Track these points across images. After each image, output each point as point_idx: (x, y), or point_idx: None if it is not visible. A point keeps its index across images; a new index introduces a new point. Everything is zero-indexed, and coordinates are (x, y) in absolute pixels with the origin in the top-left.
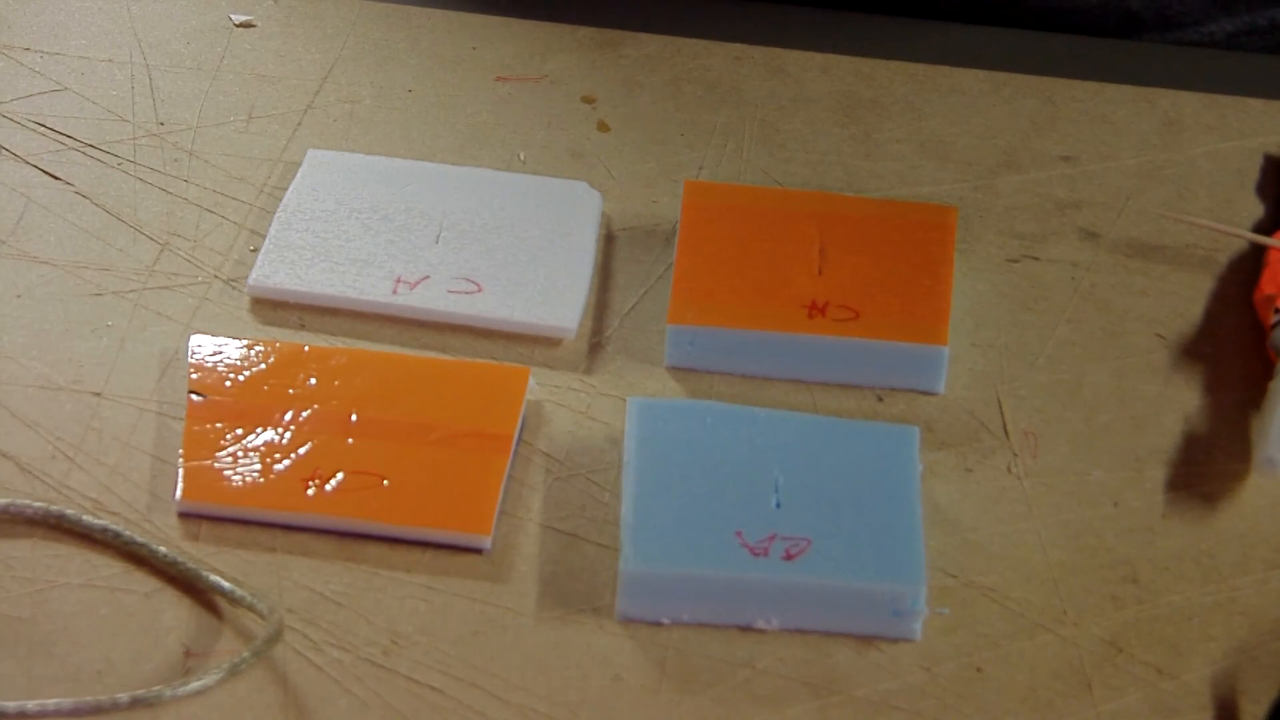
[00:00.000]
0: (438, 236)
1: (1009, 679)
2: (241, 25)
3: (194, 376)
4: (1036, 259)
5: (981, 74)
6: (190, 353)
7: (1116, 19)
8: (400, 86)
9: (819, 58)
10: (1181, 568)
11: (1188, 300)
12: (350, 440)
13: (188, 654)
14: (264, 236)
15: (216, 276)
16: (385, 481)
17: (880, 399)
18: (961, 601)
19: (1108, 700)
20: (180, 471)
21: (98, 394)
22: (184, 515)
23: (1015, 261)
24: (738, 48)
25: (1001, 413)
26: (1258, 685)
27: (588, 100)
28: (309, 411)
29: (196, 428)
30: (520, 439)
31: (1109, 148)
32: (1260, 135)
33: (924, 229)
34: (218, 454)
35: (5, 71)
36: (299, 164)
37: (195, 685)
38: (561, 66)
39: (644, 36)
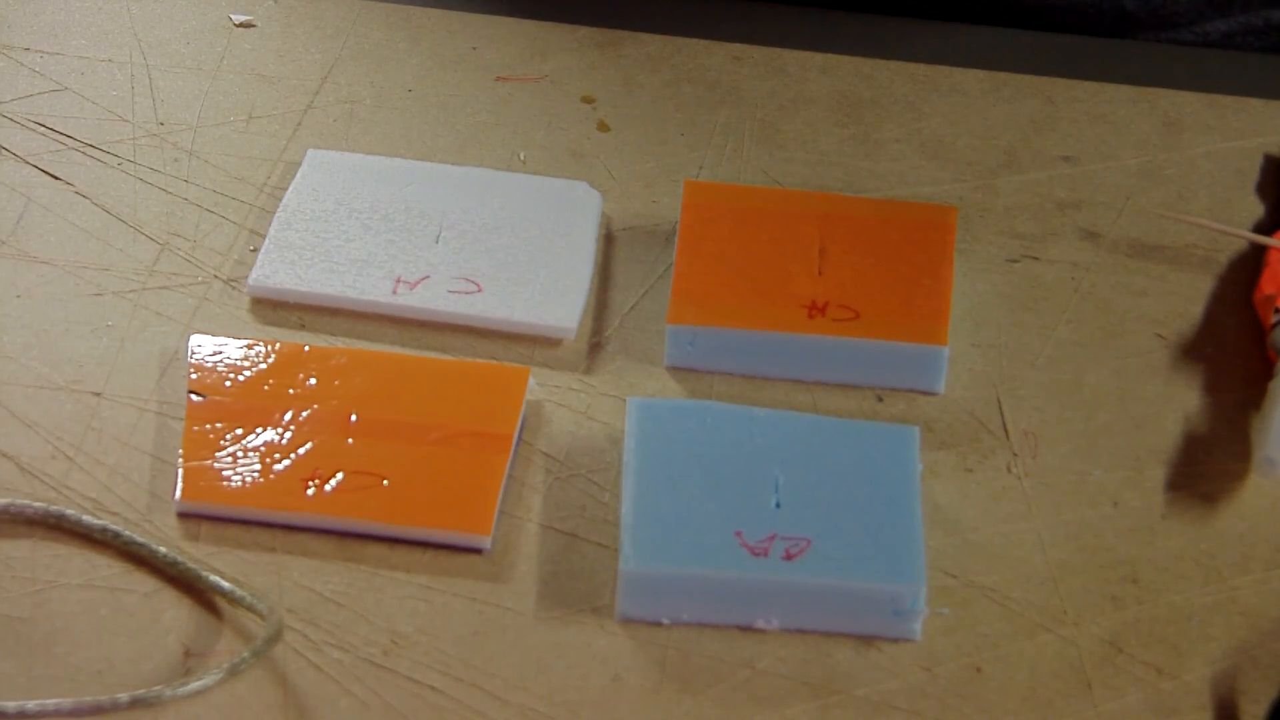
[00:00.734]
0: (438, 236)
1: (1009, 679)
2: (241, 25)
3: (194, 376)
4: (1036, 259)
5: (981, 74)
6: (190, 353)
7: (1111, 19)
8: (400, 86)
9: (819, 58)
10: (1181, 568)
11: (1188, 300)
12: (350, 440)
13: (187, 654)
14: (264, 236)
15: (216, 276)
16: (385, 481)
17: (880, 399)
18: (961, 601)
19: (1108, 700)
20: (180, 471)
21: (98, 394)
22: (184, 515)
23: (1015, 261)
24: (738, 48)
25: (1001, 413)
26: (1258, 685)
27: (588, 100)
28: (309, 411)
29: (196, 428)
30: (520, 439)
31: (1109, 148)
32: (1260, 135)
33: (924, 229)
34: (217, 454)
35: (5, 71)
36: (299, 164)
37: (195, 685)
38: (561, 66)
39: (644, 36)
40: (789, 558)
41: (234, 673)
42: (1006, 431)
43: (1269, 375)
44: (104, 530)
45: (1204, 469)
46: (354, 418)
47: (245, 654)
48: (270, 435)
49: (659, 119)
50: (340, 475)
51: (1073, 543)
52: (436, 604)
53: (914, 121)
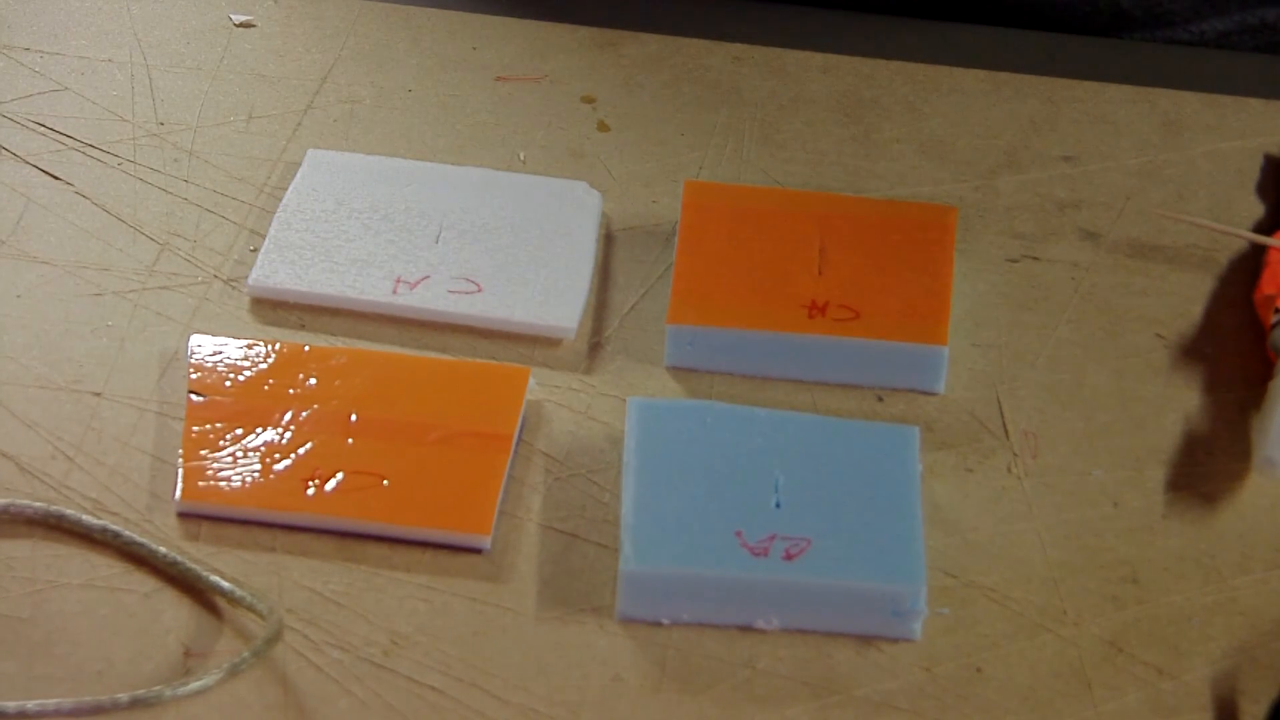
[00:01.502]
0: (438, 236)
1: (1009, 679)
2: (241, 25)
3: (194, 376)
4: (1036, 259)
5: (981, 74)
6: (190, 353)
7: (1106, 17)
8: (400, 86)
9: (819, 58)
10: (1181, 568)
11: (1188, 300)
12: (350, 440)
13: (187, 654)
14: (264, 236)
15: (216, 276)
16: (385, 481)
17: (880, 399)
18: (961, 601)
19: (1108, 700)
20: (180, 472)
21: (98, 394)
22: (184, 515)
23: (1015, 261)
24: (738, 48)
25: (1001, 413)
26: (1258, 685)
27: (588, 100)
28: (309, 411)
29: (196, 428)
30: (520, 439)
31: (1109, 148)
32: (1260, 135)
33: (924, 229)
34: (217, 454)
35: (5, 71)
36: (299, 164)
37: (195, 685)
38: (561, 66)
39: (644, 36)
40: (789, 558)
41: (234, 673)
42: (1006, 431)
43: (1269, 375)
44: (104, 530)
45: (1204, 469)
46: (354, 418)
47: (245, 654)
48: (270, 435)
49: (659, 119)
50: (340, 475)
51: (1073, 543)
52: (436, 604)
53: (914, 121)
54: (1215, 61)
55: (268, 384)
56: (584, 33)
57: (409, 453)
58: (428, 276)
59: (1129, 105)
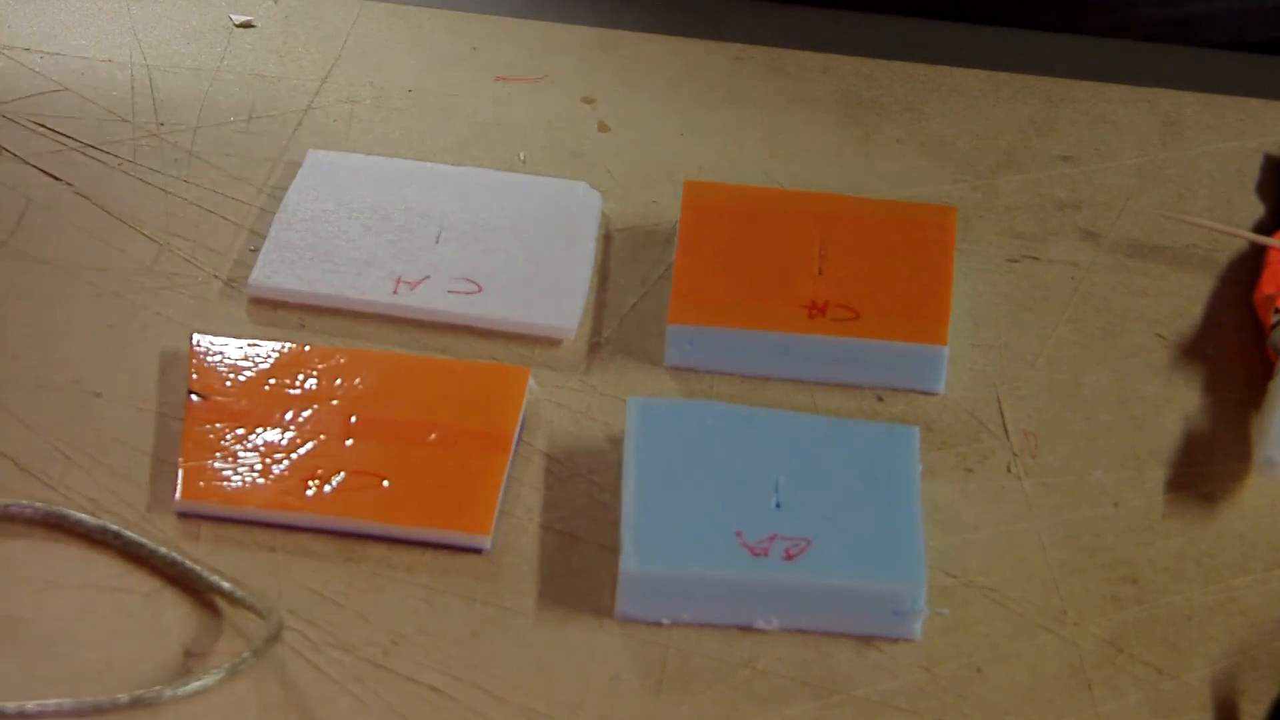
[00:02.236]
0: (438, 237)
1: (1009, 679)
2: (241, 25)
3: (194, 377)
4: (1036, 259)
5: (981, 74)
6: (190, 353)
7: None
8: (400, 86)
9: (819, 58)
10: (1181, 568)
11: (1188, 300)
12: (350, 440)
13: (187, 654)
14: (264, 237)
15: (216, 277)
16: (385, 482)
17: (880, 399)
18: (961, 601)
19: (1108, 700)
20: (180, 472)
21: (97, 394)
22: (183, 515)
23: (1015, 261)
24: (738, 48)
25: (1001, 413)
26: (1258, 685)
27: (588, 100)
28: (309, 412)
29: (196, 428)
30: (520, 439)
31: (1109, 148)
32: (1260, 135)
33: (924, 229)
34: (217, 454)
35: (5, 71)
36: (299, 164)
37: (195, 685)
38: (561, 66)
39: (644, 36)
40: (789, 558)
41: (234, 673)
42: (1006, 431)
43: (1269, 375)
44: (104, 530)
45: (1204, 469)
46: (354, 418)
47: (245, 654)
48: (270, 435)
49: (659, 119)
50: (340, 475)
51: (1073, 543)
52: (436, 604)
53: (914, 121)
54: (1215, 61)
55: (268, 384)
56: (584, 33)
57: (409, 453)
58: (428, 277)
59: (1129, 105)
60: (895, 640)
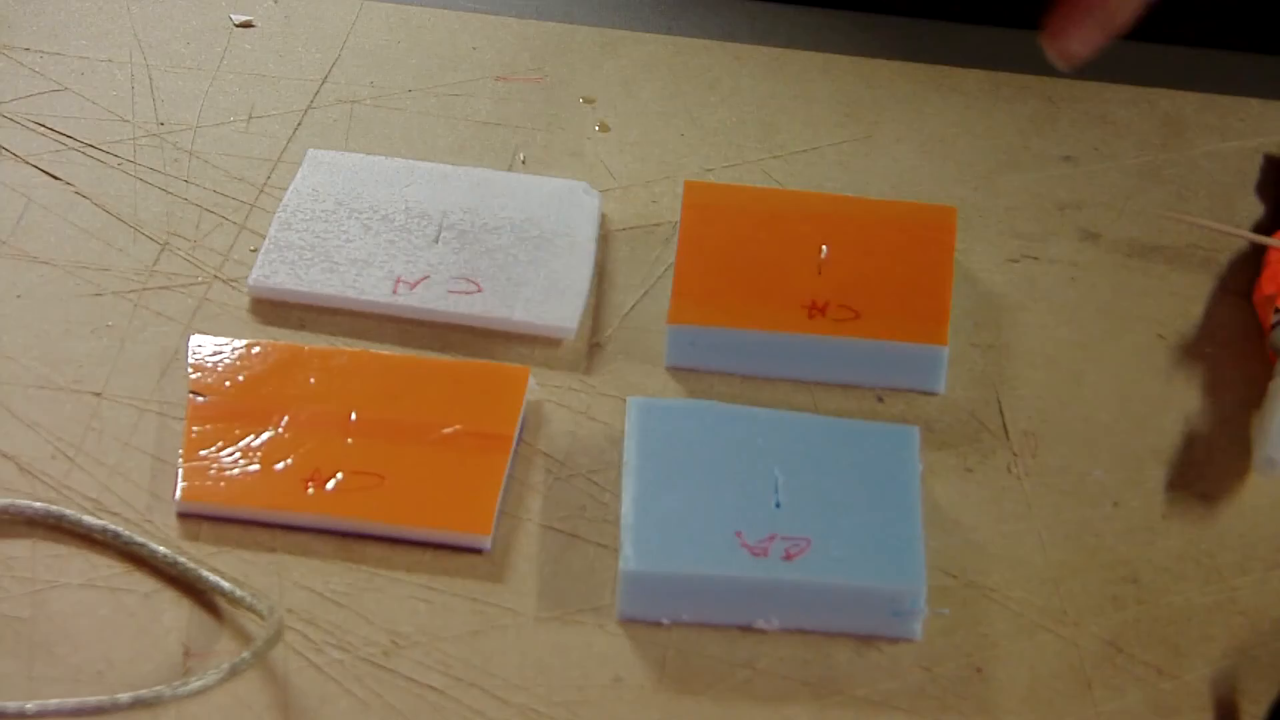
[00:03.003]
0: (438, 236)
1: (1009, 679)
2: (241, 25)
3: (194, 376)
4: (1036, 259)
5: (981, 74)
6: (190, 353)
7: None
8: (400, 86)
9: (819, 58)
10: (1181, 568)
11: (1188, 300)
12: (350, 440)
13: (188, 654)
14: (264, 236)
15: (216, 276)
16: (385, 481)
17: (880, 399)
18: (961, 601)
19: (1108, 700)
20: (180, 472)
21: (98, 394)
22: (184, 515)
23: (1015, 261)
24: (737, 48)
25: (1001, 413)
26: (1258, 685)
27: (588, 100)
28: (309, 412)
29: (196, 428)
30: (520, 439)
31: (1109, 148)
32: (1260, 135)
33: (924, 229)
34: (218, 454)
35: (5, 71)
36: (299, 164)
37: (195, 685)
38: (561, 66)
39: (644, 36)
40: (789, 558)
41: (234, 673)
42: (1006, 431)
43: (1269, 375)
44: (104, 530)
45: (1204, 469)
46: (354, 418)
47: (245, 654)
48: (270, 435)
49: (659, 119)
50: (340, 475)
51: (1073, 543)
52: (437, 604)
53: (914, 121)
54: (1215, 61)
55: (267, 384)
56: (584, 33)
57: (409, 453)
58: (427, 276)
59: (1129, 105)
60: (895, 640)
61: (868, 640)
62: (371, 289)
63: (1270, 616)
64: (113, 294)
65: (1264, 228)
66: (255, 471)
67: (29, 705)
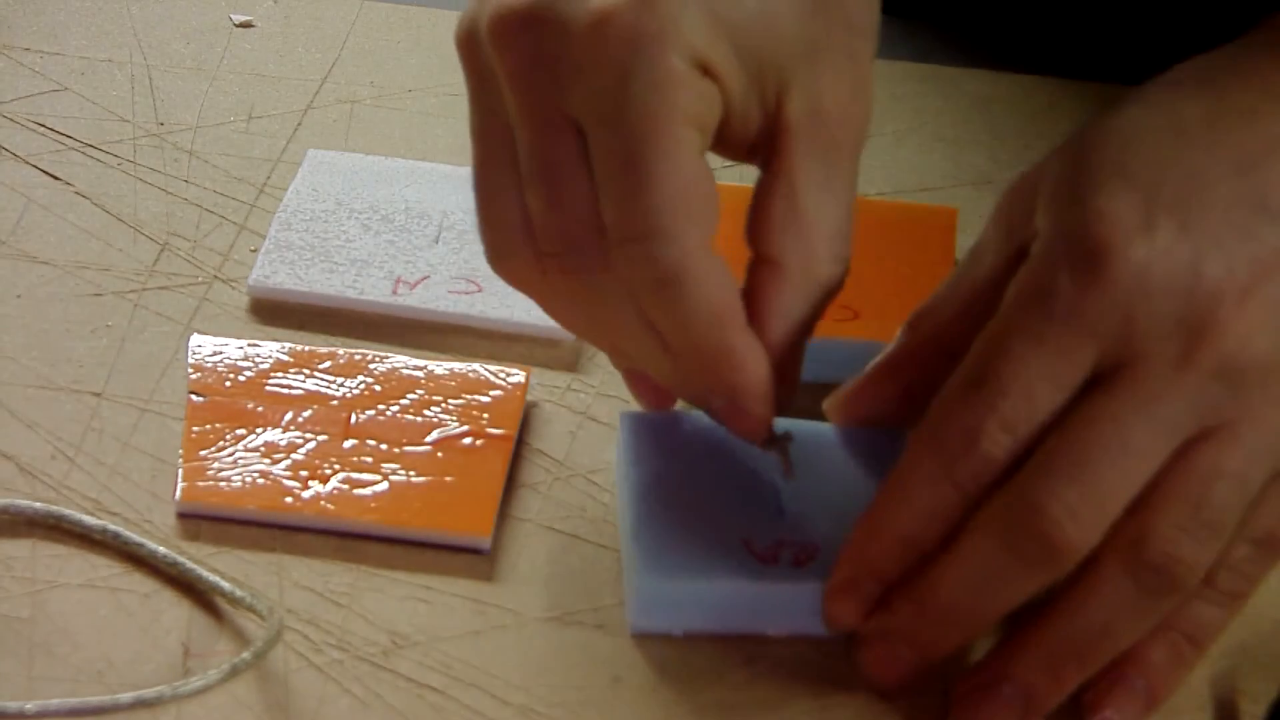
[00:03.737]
0: (438, 237)
1: None
2: (241, 25)
3: (194, 377)
4: None
5: (981, 74)
6: (190, 353)
7: None
8: (400, 86)
9: None
10: None
11: None
12: (350, 441)
13: (188, 654)
14: (264, 237)
15: (216, 277)
16: (385, 482)
17: None
18: None
19: None
20: (180, 472)
21: (97, 394)
22: (184, 515)
23: None
24: None
25: None
26: (1258, 685)
27: None
28: (309, 412)
29: (196, 428)
30: (520, 439)
31: None
32: None
33: (924, 229)
34: (217, 454)
35: (5, 71)
36: (299, 164)
37: (195, 685)
38: None
39: None
40: (798, 564)
41: (234, 673)
42: None
43: None
44: (104, 531)
45: None
46: (354, 418)
47: (245, 654)
48: (270, 435)
49: None
50: (340, 476)
51: None
52: (437, 604)
53: (914, 121)
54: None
55: (267, 384)
56: None
57: (409, 453)
58: (427, 277)
59: None
60: None
61: None
62: (371, 289)
63: (1270, 617)
64: (113, 294)
65: None
66: (255, 472)
67: (29, 705)
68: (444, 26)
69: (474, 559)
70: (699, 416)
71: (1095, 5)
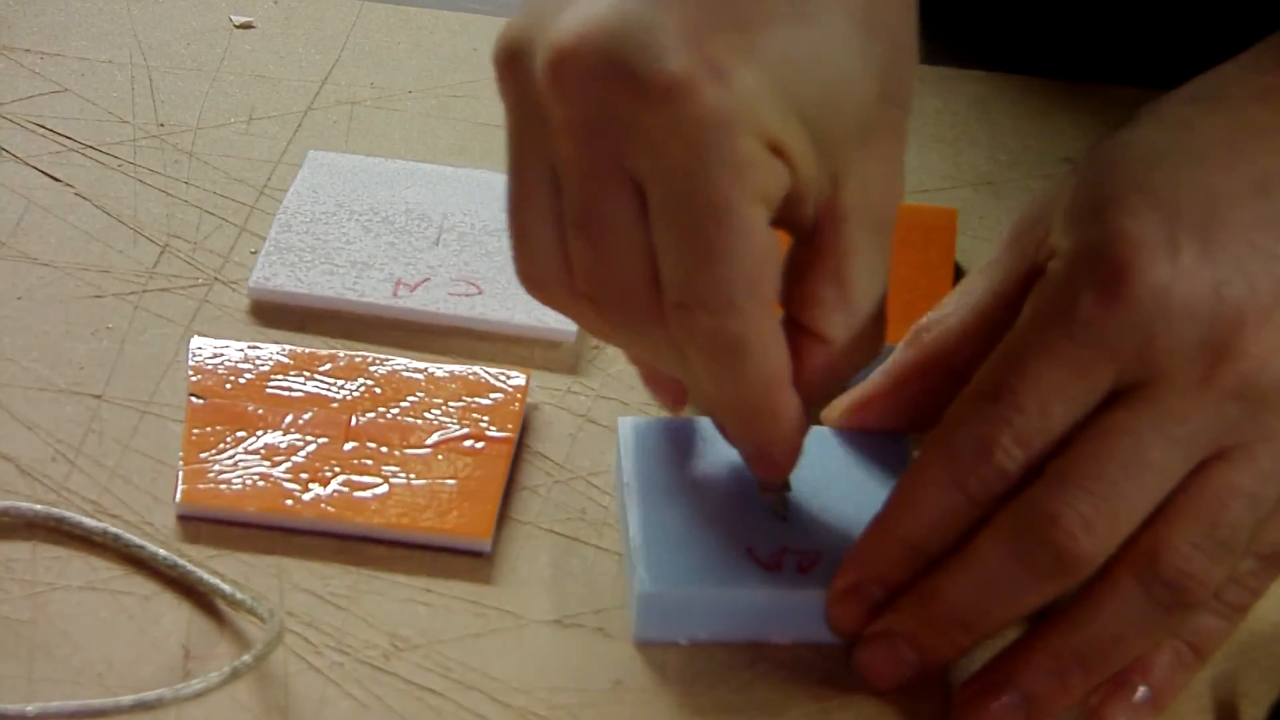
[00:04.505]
0: (438, 238)
1: None
2: (241, 26)
3: (194, 379)
4: None
5: (982, 74)
6: (190, 355)
7: None
8: (400, 87)
9: None
10: None
11: None
12: (350, 443)
13: (188, 656)
14: (264, 238)
15: (216, 278)
16: (385, 485)
17: None
18: None
19: None
20: (180, 474)
21: (98, 396)
22: (184, 518)
23: None
24: None
25: None
26: (1258, 686)
27: None
28: (309, 414)
29: (196, 430)
30: (520, 442)
31: None
32: None
33: (924, 229)
34: (218, 457)
35: (5, 72)
36: (299, 165)
37: (196, 688)
38: None
39: None
40: (802, 570)
41: (234, 675)
42: None
43: None
44: (104, 533)
45: None
46: (354, 420)
47: (246, 657)
48: (270, 438)
49: None
50: (340, 478)
51: None
52: (437, 607)
53: (914, 121)
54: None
55: (268, 386)
56: None
57: (409, 456)
58: (428, 279)
59: (1129, 105)
60: None
61: None
62: (372, 291)
63: (1270, 618)
64: (113, 296)
65: None
66: (255, 474)
67: (29, 708)
68: (444, 28)
69: (474, 561)
70: (699, 422)
71: (1095, 6)
